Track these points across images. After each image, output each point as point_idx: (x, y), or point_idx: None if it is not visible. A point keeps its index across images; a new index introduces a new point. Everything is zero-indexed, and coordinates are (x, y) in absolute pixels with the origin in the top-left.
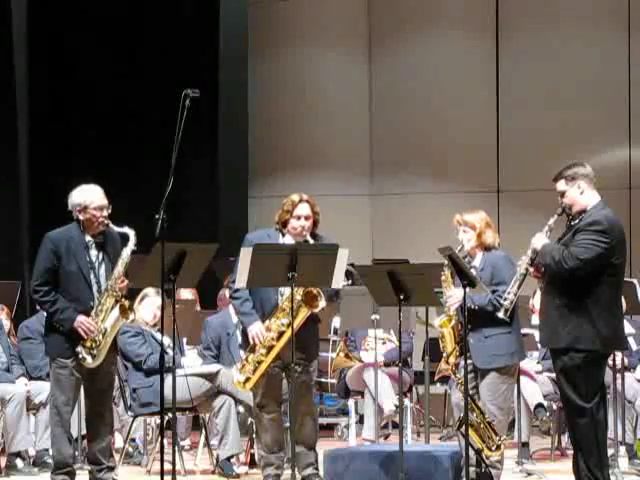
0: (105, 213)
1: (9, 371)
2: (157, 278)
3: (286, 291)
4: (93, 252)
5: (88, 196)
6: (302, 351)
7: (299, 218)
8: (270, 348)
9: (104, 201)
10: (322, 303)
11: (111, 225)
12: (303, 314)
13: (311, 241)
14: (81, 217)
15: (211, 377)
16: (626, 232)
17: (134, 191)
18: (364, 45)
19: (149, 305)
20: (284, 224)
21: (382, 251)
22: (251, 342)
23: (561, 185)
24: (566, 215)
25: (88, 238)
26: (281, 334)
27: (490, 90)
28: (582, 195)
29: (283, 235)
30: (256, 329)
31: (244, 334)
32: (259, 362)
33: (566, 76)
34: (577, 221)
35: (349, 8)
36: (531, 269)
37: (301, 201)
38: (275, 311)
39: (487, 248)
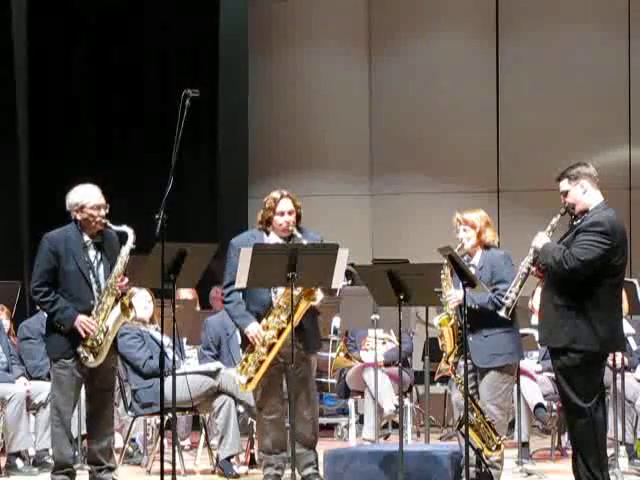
0: (102, 212)
1: (9, 371)
2: (157, 278)
3: (279, 289)
4: (91, 252)
5: (85, 196)
6: (302, 342)
7: (283, 214)
8: (271, 346)
9: (101, 200)
10: (320, 296)
11: (109, 224)
12: (303, 307)
13: (298, 235)
14: (78, 217)
15: (211, 375)
16: (626, 232)
17: (134, 191)
18: (364, 45)
19: (137, 301)
20: (268, 222)
21: (382, 251)
22: (252, 342)
23: (564, 184)
24: (569, 215)
25: (86, 238)
26: (281, 331)
27: (490, 90)
28: (585, 194)
29: (268, 234)
30: (255, 329)
31: (243, 335)
32: (261, 361)
33: (566, 76)
34: (579, 221)
35: (349, 8)
36: (533, 268)
37: (282, 197)
38: (271, 309)
39: (486, 247)
